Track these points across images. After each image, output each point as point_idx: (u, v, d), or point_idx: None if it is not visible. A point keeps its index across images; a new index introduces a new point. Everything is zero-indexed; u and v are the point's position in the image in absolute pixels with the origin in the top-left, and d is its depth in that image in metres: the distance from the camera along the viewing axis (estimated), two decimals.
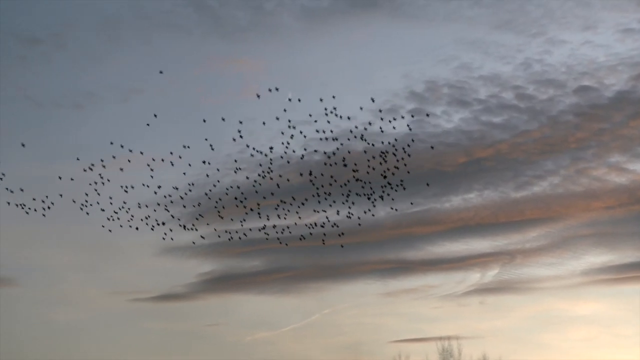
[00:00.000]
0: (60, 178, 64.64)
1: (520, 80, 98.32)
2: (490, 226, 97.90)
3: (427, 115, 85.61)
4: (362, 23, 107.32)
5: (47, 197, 65.64)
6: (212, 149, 71.87)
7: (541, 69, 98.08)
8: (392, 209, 72.88)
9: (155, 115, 61.81)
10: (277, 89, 64.58)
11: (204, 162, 71.09)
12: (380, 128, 73.73)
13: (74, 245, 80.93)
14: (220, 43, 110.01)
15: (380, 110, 73.31)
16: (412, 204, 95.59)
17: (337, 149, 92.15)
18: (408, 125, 74.38)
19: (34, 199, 64.49)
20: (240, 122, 64.40)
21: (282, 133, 73.66)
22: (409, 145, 71.85)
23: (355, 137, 72.72)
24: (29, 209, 63.31)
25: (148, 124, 62.67)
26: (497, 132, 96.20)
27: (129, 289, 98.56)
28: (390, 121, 72.84)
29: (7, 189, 64.01)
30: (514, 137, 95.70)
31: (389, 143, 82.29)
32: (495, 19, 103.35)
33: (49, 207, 63.89)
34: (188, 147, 72.28)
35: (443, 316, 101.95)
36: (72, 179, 68.09)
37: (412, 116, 73.66)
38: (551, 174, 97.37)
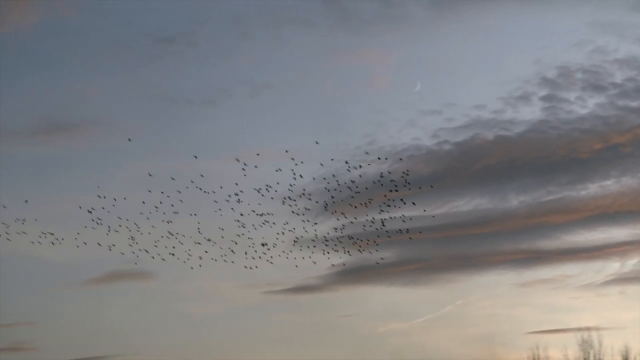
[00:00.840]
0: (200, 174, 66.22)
1: None
2: (630, 214, 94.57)
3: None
4: (491, 9, 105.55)
5: (180, 191, 67.27)
6: (342, 141, 72.22)
7: None
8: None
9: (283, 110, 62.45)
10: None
11: (334, 154, 71.44)
12: (512, 116, 72.28)
13: (208, 239, 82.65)
14: (347, 35, 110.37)
15: (512, 98, 71.94)
16: (546, 192, 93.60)
17: (468, 138, 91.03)
18: (540, 112, 72.49)
19: (168, 196, 66.18)
20: (376, 112, 64.07)
21: (411, 123, 73.18)
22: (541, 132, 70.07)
23: (485, 125, 71.44)
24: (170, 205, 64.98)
25: (277, 118, 63.37)
26: (635, 116, 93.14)
27: (262, 282, 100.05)
28: (521, 108, 71.25)
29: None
30: None
31: (521, 131, 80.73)
32: None
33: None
34: (318, 139, 72.83)
35: (582, 306, 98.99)
36: (202, 175, 69.62)
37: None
38: None
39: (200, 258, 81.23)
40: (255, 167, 66.72)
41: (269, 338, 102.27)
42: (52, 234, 78.31)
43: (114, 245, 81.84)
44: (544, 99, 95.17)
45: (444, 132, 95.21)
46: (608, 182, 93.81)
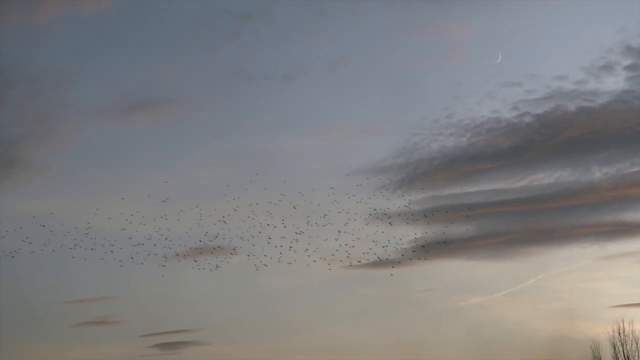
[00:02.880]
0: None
1: None
2: None
3: None
4: None
5: (261, 167, 67.88)
6: (420, 115, 71.79)
7: None
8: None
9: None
10: None
11: (412, 128, 71.16)
12: (595, 86, 70.84)
13: (288, 214, 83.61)
14: (426, 8, 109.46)
15: (594, 68, 70.46)
16: (631, 163, 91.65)
17: (549, 109, 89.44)
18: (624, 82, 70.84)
19: (249, 172, 66.87)
20: (455, 85, 63.57)
21: (491, 96, 72.36)
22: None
23: (567, 96, 70.19)
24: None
25: (355, 93, 63.41)
26: None
27: (343, 256, 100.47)
28: (605, 79, 69.75)
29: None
30: None
31: (604, 101, 78.75)
32: None
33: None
34: (396, 113, 72.67)
35: None
36: (282, 150, 70.11)
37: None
38: None
39: (281, 233, 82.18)
40: (332, 138, 66.93)
41: (349, 312, 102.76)
42: (137, 212, 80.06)
43: (197, 220, 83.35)
44: (628, 68, 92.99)
45: (525, 104, 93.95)
46: None
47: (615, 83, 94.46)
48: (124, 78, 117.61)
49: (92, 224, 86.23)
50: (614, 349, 66.66)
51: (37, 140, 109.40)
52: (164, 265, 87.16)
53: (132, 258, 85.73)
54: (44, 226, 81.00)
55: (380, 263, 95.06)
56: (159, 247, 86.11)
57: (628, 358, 65.49)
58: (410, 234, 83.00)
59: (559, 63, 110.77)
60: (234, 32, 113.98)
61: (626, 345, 66.08)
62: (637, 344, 65.80)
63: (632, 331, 66.59)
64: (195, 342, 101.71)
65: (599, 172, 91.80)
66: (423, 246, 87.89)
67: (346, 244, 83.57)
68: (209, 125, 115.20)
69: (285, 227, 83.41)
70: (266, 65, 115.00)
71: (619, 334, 66.58)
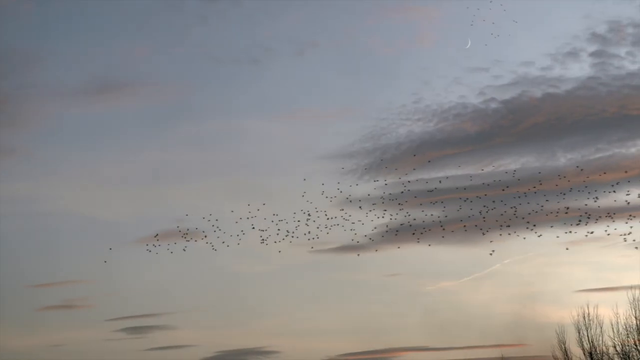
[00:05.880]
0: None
1: None
2: None
3: None
4: None
5: (227, 151, 67.67)
6: (388, 100, 71.72)
7: None
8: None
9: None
10: None
11: (380, 113, 71.24)
12: (560, 72, 71.32)
13: (256, 198, 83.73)
14: None
15: (560, 54, 70.86)
16: (595, 149, 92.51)
17: (515, 95, 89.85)
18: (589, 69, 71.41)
19: (215, 156, 66.56)
20: (422, 70, 63.66)
21: (457, 81, 72.47)
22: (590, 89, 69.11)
23: (533, 82, 70.61)
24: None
25: (323, 77, 63.24)
26: None
27: (309, 241, 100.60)
28: (570, 65, 70.22)
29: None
30: None
31: (570, 88, 79.09)
32: None
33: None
34: (364, 98, 72.53)
35: (632, 265, 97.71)
36: (249, 134, 69.83)
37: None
38: None
39: (248, 217, 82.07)
40: (299, 122, 66.89)
41: (316, 296, 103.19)
42: (103, 195, 79.53)
43: (164, 204, 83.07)
44: (593, 55, 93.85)
45: (491, 90, 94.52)
46: None
47: (580, 69, 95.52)
48: (91, 60, 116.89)
49: (57, 207, 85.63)
50: (579, 333, 67.38)
51: (0, 122, 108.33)
52: (130, 249, 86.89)
53: (101, 241, 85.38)
54: (8, 209, 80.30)
55: (347, 248, 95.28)
56: (126, 230, 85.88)
57: (592, 342, 66.23)
58: (377, 218, 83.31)
59: (524, 49, 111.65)
60: (201, 15, 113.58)
61: (590, 329, 66.79)
62: (601, 328, 66.57)
63: (597, 316, 67.35)
64: (161, 326, 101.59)
65: (564, 158, 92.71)
66: (390, 231, 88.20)
67: (313, 229, 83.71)
68: (176, 109, 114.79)
69: (251, 211, 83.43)
70: (233, 48, 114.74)
71: (584, 318, 67.29)
